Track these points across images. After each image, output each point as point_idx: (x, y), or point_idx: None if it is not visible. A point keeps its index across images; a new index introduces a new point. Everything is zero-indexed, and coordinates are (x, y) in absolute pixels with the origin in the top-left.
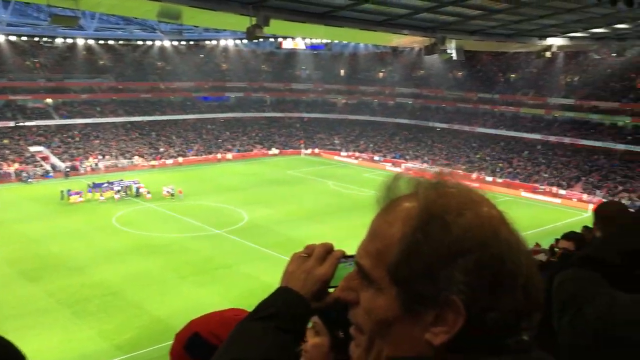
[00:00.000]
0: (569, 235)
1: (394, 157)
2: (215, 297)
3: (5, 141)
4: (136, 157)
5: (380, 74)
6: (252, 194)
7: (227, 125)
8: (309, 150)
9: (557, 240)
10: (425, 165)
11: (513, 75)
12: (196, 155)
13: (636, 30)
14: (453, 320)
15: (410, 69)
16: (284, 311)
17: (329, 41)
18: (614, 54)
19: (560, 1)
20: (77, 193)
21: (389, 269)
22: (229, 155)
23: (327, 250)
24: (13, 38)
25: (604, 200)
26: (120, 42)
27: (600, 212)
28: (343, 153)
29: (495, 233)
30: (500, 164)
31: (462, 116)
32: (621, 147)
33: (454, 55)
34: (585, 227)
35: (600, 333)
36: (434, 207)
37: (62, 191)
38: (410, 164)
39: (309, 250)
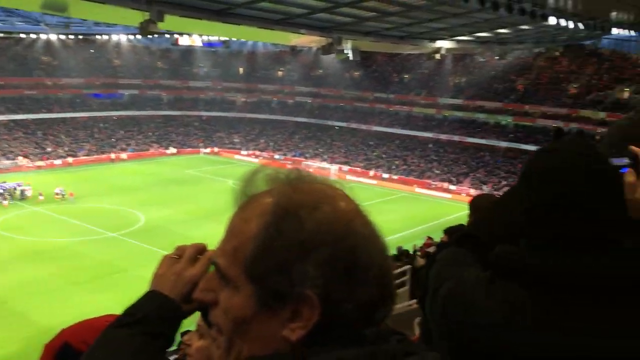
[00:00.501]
0: (448, 230)
1: (294, 156)
2: (110, 304)
3: None
4: (20, 158)
5: (279, 73)
6: (149, 195)
7: (121, 123)
8: (208, 149)
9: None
10: (324, 163)
11: (406, 76)
12: (88, 155)
13: (515, 35)
14: (309, 315)
15: (308, 68)
16: (151, 315)
17: (227, 39)
18: (497, 57)
19: (448, 6)
20: None
21: (244, 266)
22: (124, 155)
23: (199, 250)
24: None
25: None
26: (1, 34)
27: (473, 203)
28: (243, 152)
29: (349, 227)
30: (396, 162)
31: (360, 115)
32: (504, 144)
33: (350, 55)
34: (461, 224)
35: (444, 312)
36: (288, 203)
37: None
38: (310, 162)
39: (180, 252)
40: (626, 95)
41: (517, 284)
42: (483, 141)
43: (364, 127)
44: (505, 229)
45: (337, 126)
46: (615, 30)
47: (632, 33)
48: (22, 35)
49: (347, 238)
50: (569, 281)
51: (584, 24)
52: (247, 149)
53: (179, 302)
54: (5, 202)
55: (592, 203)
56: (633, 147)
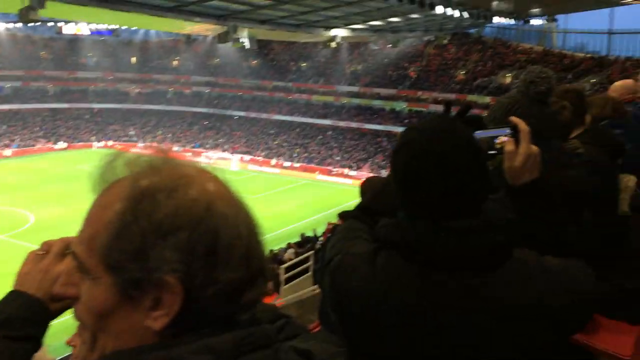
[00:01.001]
0: (342, 214)
1: (194, 147)
2: None
3: None
4: None
5: (175, 62)
6: (38, 193)
7: (4, 118)
8: (102, 143)
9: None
10: (225, 153)
11: (304, 64)
12: None
13: (407, 24)
14: (171, 301)
15: (205, 57)
16: (15, 317)
17: (117, 27)
18: (390, 45)
19: None
20: None
21: (101, 255)
22: (8, 152)
23: (67, 245)
24: None
25: None
26: None
27: (362, 185)
28: (140, 144)
29: (210, 208)
30: (297, 149)
31: (259, 104)
32: (400, 129)
33: (247, 44)
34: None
35: (332, 283)
36: (146, 186)
37: None
38: (210, 153)
39: (47, 247)
40: (508, 80)
41: (398, 254)
42: (380, 127)
43: (264, 116)
44: (392, 205)
45: (237, 116)
46: (496, 19)
47: (512, 21)
48: None
49: (207, 220)
50: (428, 252)
51: (468, 13)
52: (143, 142)
53: (46, 301)
54: None
55: (443, 174)
56: (513, 118)
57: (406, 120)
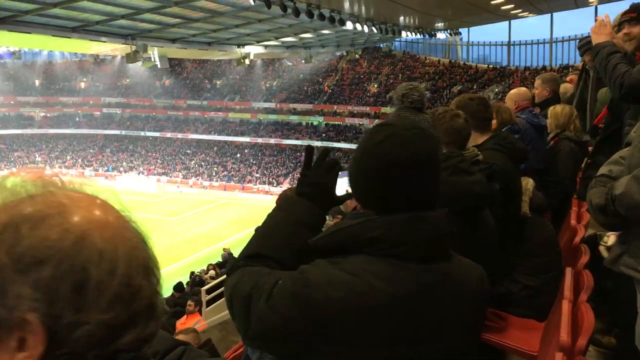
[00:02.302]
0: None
1: (107, 171)
2: None
3: None
4: None
5: (83, 84)
6: None
7: None
8: (6, 172)
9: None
10: (141, 175)
11: (219, 82)
12: None
13: (319, 39)
14: (34, 343)
15: (115, 78)
16: None
17: (17, 49)
18: (303, 61)
19: (252, 12)
20: None
21: None
22: None
23: None
24: None
25: None
26: None
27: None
28: (48, 171)
29: (80, 241)
30: (216, 168)
31: (174, 124)
32: (318, 143)
33: (158, 63)
34: None
35: (304, 307)
36: (12, 215)
37: None
38: (125, 176)
39: None
40: None
41: (369, 254)
42: (298, 142)
43: (179, 135)
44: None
45: (151, 136)
46: (404, 34)
47: (419, 36)
48: None
49: (74, 255)
50: (414, 244)
51: (377, 28)
52: (51, 168)
53: None
54: None
55: (433, 168)
56: None
57: (324, 134)
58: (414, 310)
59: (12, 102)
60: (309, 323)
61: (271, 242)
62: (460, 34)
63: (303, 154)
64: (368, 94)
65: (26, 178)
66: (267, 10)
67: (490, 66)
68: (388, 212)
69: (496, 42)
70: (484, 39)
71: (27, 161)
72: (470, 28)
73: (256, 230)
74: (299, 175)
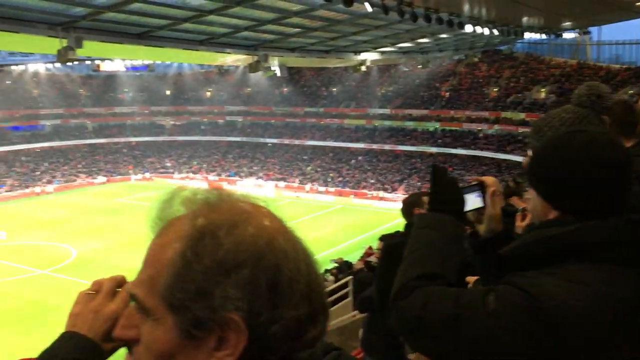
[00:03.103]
0: (383, 237)
1: (229, 176)
2: (44, 345)
3: None
4: None
5: (208, 93)
6: (80, 227)
7: (45, 155)
8: (140, 176)
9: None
10: (260, 180)
11: (335, 89)
12: (10, 191)
13: (436, 44)
14: (235, 341)
15: (237, 87)
16: (69, 358)
17: (151, 62)
18: (420, 66)
19: (369, 19)
20: None
21: (162, 295)
22: (50, 188)
23: (118, 283)
24: None
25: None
26: None
27: (404, 202)
28: (176, 176)
29: (270, 243)
30: (331, 174)
31: (292, 130)
32: (434, 149)
33: (278, 72)
34: (397, 231)
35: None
36: (205, 224)
37: None
38: (245, 181)
39: (97, 286)
40: (542, 95)
41: (589, 261)
42: (414, 148)
43: (296, 142)
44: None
45: (270, 143)
46: (528, 35)
47: (543, 36)
48: None
49: (268, 256)
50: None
51: (498, 30)
52: (180, 173)
53: (98, 341)
54: None
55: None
56: (482, 178)
57: (439, 140)
58: None
59: (146, 112)
60: (548, 335)
61: (434, 260)
62: (590, 32)
63: (419, 160)
64: (487, 99)
65: (203, 189)
66: (384, 17)
67: (624, 66)
68: (590, 216)
69: (630, 40)
70: (616, 38)
71: (158, 166)
72: (601, 27)
73: (409, 250)
74: (430, 193)
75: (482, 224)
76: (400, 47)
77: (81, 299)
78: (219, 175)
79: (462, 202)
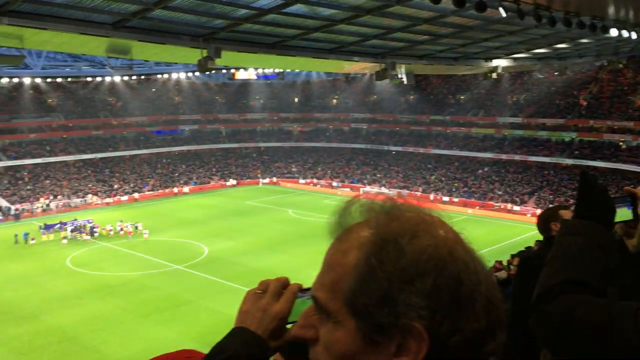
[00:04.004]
0: (518, 254)
1: (352, 182)
2: (177, 335)
3: None
4: (90, 196)
5: (334, 101)
6: (212, 227)
7: (183, 158)
8: (267, 180)
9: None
10: (383, 188)
11: (463, 97)
12: (152, 190)
13: (575, 49)
14: (416, 348)
15: (363, 95)
16: (240, 353)
17: (281, 70)
18: (556, 73)
19: (503, 24)
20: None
21: (345, 299)
22: (186, 189)
23: (283, 284)
24: None
25: None
26: (69, 79)
27: (540, 216)
28: (301, 181)
29: (451, 253)
30: (456, 184)
31: (416, 138)
32: (569, 161)
33: (405, 80)
34: (538, 241)
35: None
36: (387, 232)
37: (16, 235)
38: (368, 188)
39: (264, 287)
40: None
41: None
42: (547, 159)
43: (421, 150)
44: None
45: (394, 151)
46: None
47: None
48: (89, 79)
49: (450, 266)
50: None
51: None
52: (305, 178)
53: (265, 338)
54: (71, 236)
55: None
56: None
57: (576, 152)
58: None
59: (275, 118)
60: None
61: (580, 267)
62: None
63: (552, 172)
64: (632, 107)
65: (380, 199)
66: (519, 22)
67: None
68: None
69: None
70: None
71: (284, 171)
72: None
73: (553, 256)
74: (578, 200)
75: (632, 238)
76: (535, 53)
77: (249, 298)
78: (342, 181)
79: (612, 212)
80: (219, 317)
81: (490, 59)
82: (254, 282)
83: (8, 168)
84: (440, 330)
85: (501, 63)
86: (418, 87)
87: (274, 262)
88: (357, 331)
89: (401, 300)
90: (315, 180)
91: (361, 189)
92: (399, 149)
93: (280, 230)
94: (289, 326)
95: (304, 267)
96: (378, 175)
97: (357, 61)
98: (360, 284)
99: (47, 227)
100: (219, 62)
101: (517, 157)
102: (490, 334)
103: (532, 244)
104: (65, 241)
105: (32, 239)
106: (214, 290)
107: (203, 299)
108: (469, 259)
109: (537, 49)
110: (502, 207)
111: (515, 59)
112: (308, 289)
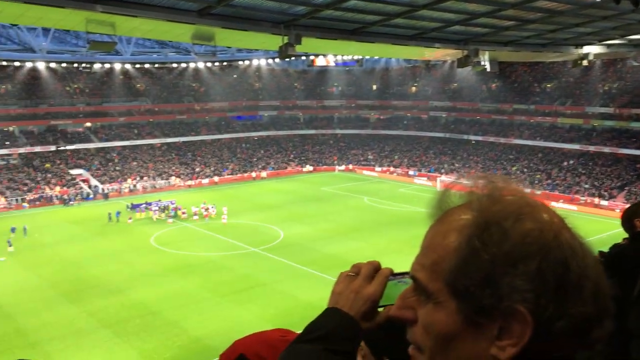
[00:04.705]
0: (603, 254)
1: (429, 171)
2: (252, 316)
3: (47, 165)
4: (173, 178)
5: (413, 88)
6: (288, 212)
7: (261, 143)
8: (343, 167)
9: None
10: (461, 178)
11: (549, 85)
12: (231, 174)
13: None
14: (520, 331)
15: (443, 82)
16: (334, 332)
17: (361, 57)
18: None
19: (596, 9)
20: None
21: (447, 280)
22: (264, 174)
23: (375, 268)
24: (53, 65)
25: None
26: (156, 65)
27: (624, 212)
28: (377, 168)
29: (557, 237)
30: (539, 176)
31: (498, 128)
32: None
33: (488, 67)
34: (626, 238)
35: None
36: (490, 215)
37: (109, 213)
38: (445, 178)
39: (356, 269)
40: None
41: None
42: (639, 152)
43: (502, 140)
44: None
45: (474, 140)
46: None
47: None
48: (174, 65)
49: (555, 250)
50: None
51: None
52: (381, 166)
53: (358, 320)
54: (155, 216)
55: None
56: None
57: None
58: None
59: (352, 105)
60: None
61: None
62: None
63: None
64: None
65: (479, 182)
66: (614, 6)
67: None
68: None
69: None
70: None
71: (361, 158)
72: None
73: None
74: None
75: None
76: (631, 40)
77: (342, 280)
78: (419, 170)
79: None
80: (292, 301)
81: (581, 45)
82: (327, 268)
83: (99, 149)
84: (544, 314)
85: (592, 50)
86: (501, 75)
87: (348, 249)
88: (458, 312)
89: (505, 283)
90: (391, 169)
91: (438, 179)
92: (479, 138)
93: (355, 217)
94: (380, 309)
95: (379, 254)
96: (456, 165)
97: (439, 48)
98: (463, 265)
99: (134, 207)
100: (299, 48)
101: (606, 150)
102: (597, 321)
103: (620, 240)
104: (154, 217)
105: (129, 219)
106: (288, 274)
107: (278, 282)
108: (576, 244)
109: (632, 35)
110: (589, 201)
111: (608, 45)
112: (400, 274)
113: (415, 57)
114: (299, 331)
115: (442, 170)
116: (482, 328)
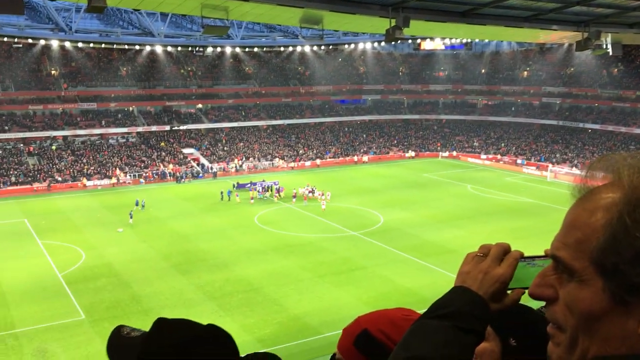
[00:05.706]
0: None
1: (539, 161)
2: (351, 298)
3: (162, 144)
4: (277, 159)
5: (525, 73)
6: (388, 197)
7: (364, 127)
8: (447, 153)
9: None
10: (574, 169)
11: None
12: (333, 157)
13: None
14: None
15: (558, 67)
16: (464, 311)
17: (469, 40)
18: None
19: None
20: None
21: (593, 258)
22: (365, 158)
23: (505, 250)
24: (170, 48)
25: None
26: (264, 49)
27: None
28: (483, 156)
29: None
30: None
31: (619, 116)
32: None
33: (610, 51)
34: None
35: None
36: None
37: (222, 192)
38: (557, 168)
39: (485, 250)
40: None
41: None
42: None
43: (623, 129)
44: None
45: (590, 129)
46: None
47: None
48: (282, 48)
49: None
50: None
51: None
52: (487, 153)
53: (487, 300)
54: (259, 196)
55: None
56: None
57: None
58: None
59: (459, 90)
60: None
61: None
62: None
63: None
64: None
65: (628, 159)
66: None
67: None
68: None
69: None
70: None
71: (465, 145)
72: None
73: None
74: None
75: None
76: None
77: (469, 260)
78: (527, 159)
79: None
80: (391, 286)
81: None
82: (427, 255)
83: (209, 130)
84: None
85: None
86: (624, 59)
87: (449, 236)
88: (604, 291)
89: None
90: (498, 157)
91: (549, 168)
92: (597, 127)
93: (457, 205)
94: (508, 292)
95: (481, 243)
96: (569, 155)
97: (556, 30)
98: (611, 242)
99: (239, 186)
100: (406, 32)
101: None
102: None
103: None
104: (259, 196)
105: (237, 196)
106: (387, 259)
107: (377, 266)
108: None
109: None
110: None
111: None
112: (530, 257)
113: (529, 40)
114: (421, 312)
115: (554, 160)
116: (631, 307)
